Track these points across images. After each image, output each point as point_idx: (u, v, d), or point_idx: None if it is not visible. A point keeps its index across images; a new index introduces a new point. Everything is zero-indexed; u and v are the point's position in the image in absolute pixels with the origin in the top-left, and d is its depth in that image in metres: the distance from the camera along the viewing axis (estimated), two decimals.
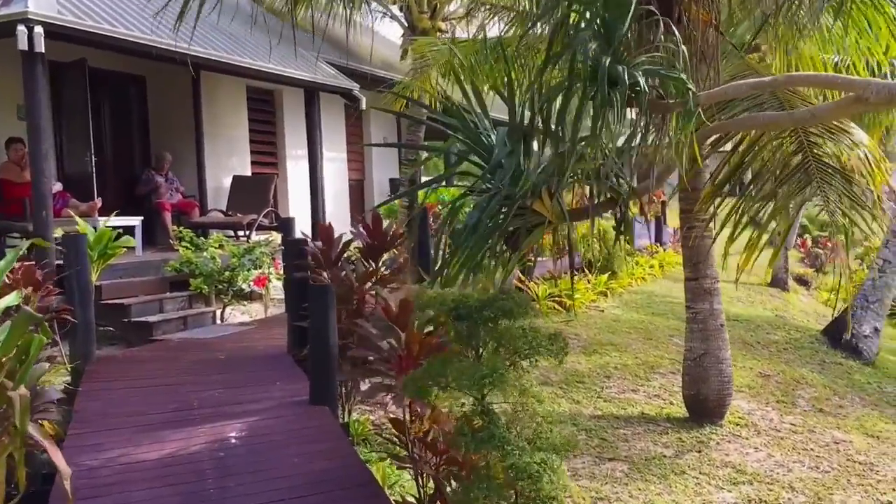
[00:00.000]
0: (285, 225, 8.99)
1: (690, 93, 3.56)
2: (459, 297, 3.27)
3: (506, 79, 6.18)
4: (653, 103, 3.61)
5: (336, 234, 6.14)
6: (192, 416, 4.92)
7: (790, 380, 8.74)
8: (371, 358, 4.70)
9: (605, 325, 10.23)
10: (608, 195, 4.49)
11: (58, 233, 6.93)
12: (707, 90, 4.76)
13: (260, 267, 8.72)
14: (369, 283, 5.93)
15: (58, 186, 9.58)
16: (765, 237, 6.11)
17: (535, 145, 4.35)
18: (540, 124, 3.89)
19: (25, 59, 7.30)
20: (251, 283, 8.54)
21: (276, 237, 8.89)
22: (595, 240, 13.42)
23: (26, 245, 4.98)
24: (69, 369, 6.23)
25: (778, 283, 17.15)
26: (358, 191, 15.83)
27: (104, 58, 10.01)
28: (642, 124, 3.79)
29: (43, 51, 7.25)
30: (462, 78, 7.29)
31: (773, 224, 6.12)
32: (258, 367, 6.07)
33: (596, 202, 4.49)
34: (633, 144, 4.03)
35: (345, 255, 6.05)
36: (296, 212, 12.76)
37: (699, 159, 4.92)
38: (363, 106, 11.72)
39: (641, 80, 3.40)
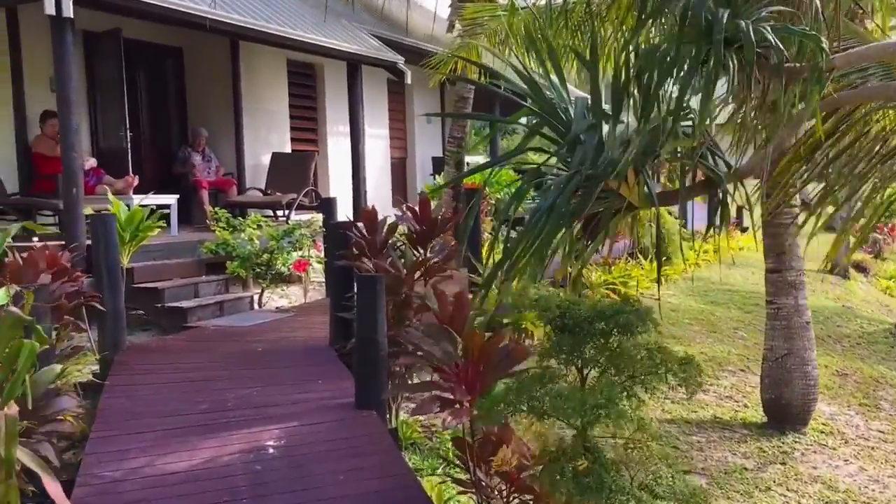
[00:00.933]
0: (327, 205, 8.48)
1: (823, 54, 2.93)
2: (567, 302, 2.71)
3: (587, 43, 5.55)
4: (784, 69, 2.98)
5: (380, 217, 5.61)
6: (226, 417, 4.44)
7: (869, 378, 8.05)
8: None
9: (665, 316, 9.57)
10: (703, 176, 3.90)
11: (87, 211, 6.49)
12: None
13: (300, 250, 8.23)
14: (418, 273, 5.40)
15: (91, 162, 9.19)
16: (859, 222, 5.44)
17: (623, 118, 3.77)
18: (635, 94, 3.29)
19: (54, 24, 6.83)
20: (290, 267, 8.06)
21: (318, 218, 8.38)
22: (651, 224, 12.74)
23: (15, 228, 4.49)
24: (97, 359, 5.80)
25: (837, 270, 16.29)
26: (400, 169, 15.29)
27: (140, 28, 9.56)
28: (757, 93, 3.17)
29: (71, 16, 6.77)
30: (523, 45, 6.68)
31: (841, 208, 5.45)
32: (298, 361, 5.57)
33: (689, 184, 3.90)
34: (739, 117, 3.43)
35: (390, 240, 5.50)
36: (336, 191, 12.27)
37: (821, 134, 4.25)
38: (408, 80, 11.14)
39: (771, 37, 2.77)
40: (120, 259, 5.98)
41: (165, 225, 6.63)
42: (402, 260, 5.34)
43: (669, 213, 16.29)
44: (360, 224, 5.76)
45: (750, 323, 9.65)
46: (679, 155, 3.82)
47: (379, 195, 13.02)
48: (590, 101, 4.04)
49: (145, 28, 9.73)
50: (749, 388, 6.87)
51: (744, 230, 17.39)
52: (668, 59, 2.92)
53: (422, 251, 5.47)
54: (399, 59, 10.95)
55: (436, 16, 14.04)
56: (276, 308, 8.42)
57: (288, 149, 11.94)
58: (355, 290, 4.59)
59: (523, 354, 3.46)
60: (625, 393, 2.62)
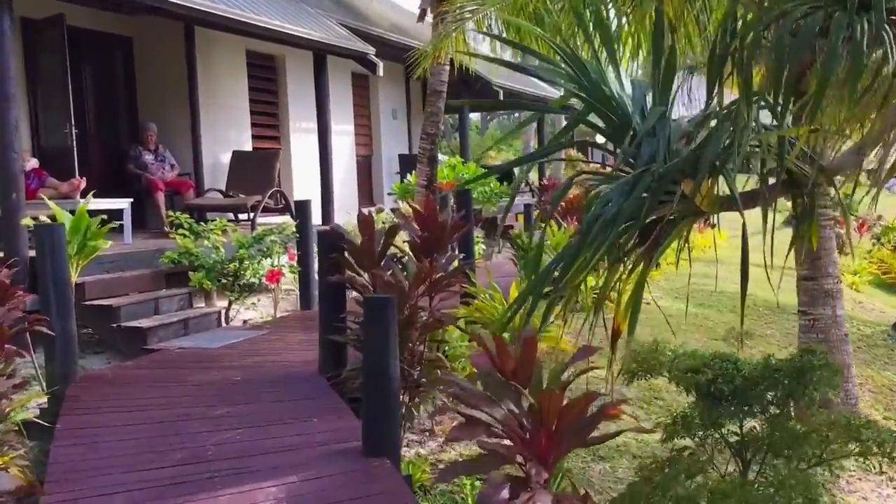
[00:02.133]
0: (301, 209, 7.70)
1: None
2: (723, 362, 2.04)
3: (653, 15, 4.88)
4: None
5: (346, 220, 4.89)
6: (207, 471, 3.67)
7: (882, 387, 7.60)
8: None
9: (660, 322, 9.01)
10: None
11: (27, 221, 5.61)
12: None
13: (270, 257, 7.45)
14: (422, 287, 4.70)
15: (33, 163, 8.26)
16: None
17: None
18: (735, 75, 2.64)
19: None
20: (262, 278, 7.26)
21: (290, 223, 7.60)
22: None
23: None
24: (46, 393, 4.97)
25: None
26: (366, 167, 14.52)
27: (85, 15, 8.63)
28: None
29: None
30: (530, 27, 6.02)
31: None
32: (285, 393, 4.81)
33: (771, 184, 3.28)
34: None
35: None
36: (301, 192, 11.45)
37: None
38: (380, 72, 10.37)
39: None
40: (69, 274, 5.15)
41: (108, 229, 5.79)
42: (406, 273, 4.63)
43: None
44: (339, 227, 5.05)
45: (749, 329, 9.16)
46: (758, 150, 3.20)
47: (344, 194, 12.26)
48: (649, 87, 3.40)
49: (91, 15, 8.80)
50: None
51: (712, 226, 17.07)
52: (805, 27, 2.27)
53: (427, 262, 4.76)
54: (370, 50, 10.19)
55: (403, 9, 13.34)
56: (246, 322, 7.63)
57: (249, 147, 11.10)
58: (363, 313, 3.87)
59: (609, 415, 2.79)
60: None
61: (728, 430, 2.07)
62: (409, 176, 12.29)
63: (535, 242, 8.21)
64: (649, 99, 3.39)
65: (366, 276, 4.73)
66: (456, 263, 4.96)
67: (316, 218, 8.14)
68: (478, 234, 11.92)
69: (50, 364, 4.97)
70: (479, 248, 11.73)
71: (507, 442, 2.84)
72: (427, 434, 5.21)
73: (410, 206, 4.83)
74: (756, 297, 10.49)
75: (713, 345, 8.48)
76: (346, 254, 4.63)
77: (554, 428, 2.74)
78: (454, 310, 5.63)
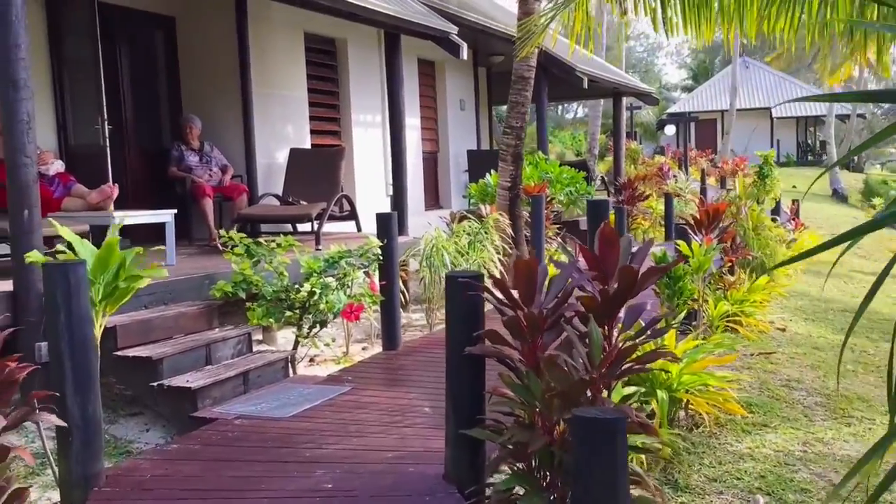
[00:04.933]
0: (384, 224, 6.17)
1: None
2: None
3: None
4: None
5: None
6: None
7: None
8: None
9: (810, 355, 7.36)
10: None
11: (34, 257, 4.12)
12: None
13: (349, 287, 5.94)
14: (604, 369, 3.13)
15: (57, 166, 6.87)
16: None
17: None
18: None
19: None
20: (338, 312, 5.76)
21: (374, 241, 6.08)
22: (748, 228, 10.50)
23: None
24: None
25: None
26: (431, 165, 12.98)
27: None
28: None
29: None
30: None
31: None
32: None
33: None
34: None
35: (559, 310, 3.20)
36: (364, 196, 9.98)
37: None
38: (463, 55, 8.80)
39: None
40: (94, 332, 3.67)
41: (165, 272, 4.29)
42: (588, 347, 3.05)
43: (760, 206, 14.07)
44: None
45: None
46: None
47: (410, 197, 10.76)
48: None
49: None
50: None
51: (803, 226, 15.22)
52: None
53: (607, 327, 3.18)
54: (451, 29, 8.62)
55: None
56: (313, 360, 6.16)
57: (307, 143, 9.62)
58: (575, 434, 2.31)
59: None
60: None
61: None
62: (487, 176, 10.74)
63: (667, 257, 6.59)
64: None
65: (519, 347, 3.18)
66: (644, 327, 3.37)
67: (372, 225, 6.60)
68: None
69: (64, 460, 3.51)
70: (559, 255, 10.15)
71: None
72: None
73: (580, 246, 3.27)
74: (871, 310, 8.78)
75: (882, 386, 6.80)
76: (504, 322, 3.07)
77: None
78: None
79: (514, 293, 3.09)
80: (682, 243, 6.80)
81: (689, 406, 5.09)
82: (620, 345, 3.18)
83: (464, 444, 3.34)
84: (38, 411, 3.24)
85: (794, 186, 25.55)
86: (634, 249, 3.21)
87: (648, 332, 3.13)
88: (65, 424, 3.35)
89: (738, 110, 33.78)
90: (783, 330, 8.48)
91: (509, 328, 3.05)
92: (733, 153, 30.39)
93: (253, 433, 4.24)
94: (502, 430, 3.28)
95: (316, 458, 3.82)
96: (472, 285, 3.23)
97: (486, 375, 3.41)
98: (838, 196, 31.01)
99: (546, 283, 3.22)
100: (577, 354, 3.00)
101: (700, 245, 6.74)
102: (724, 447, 4.89)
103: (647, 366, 3.03)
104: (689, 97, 45.60)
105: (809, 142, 44.46)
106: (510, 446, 3.15)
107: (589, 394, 3.05)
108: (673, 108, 42.25)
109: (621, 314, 3.30)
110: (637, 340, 3.16)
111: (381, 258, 6.04)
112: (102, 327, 4.00)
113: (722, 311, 7.58)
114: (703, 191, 18.25)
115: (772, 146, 35.93)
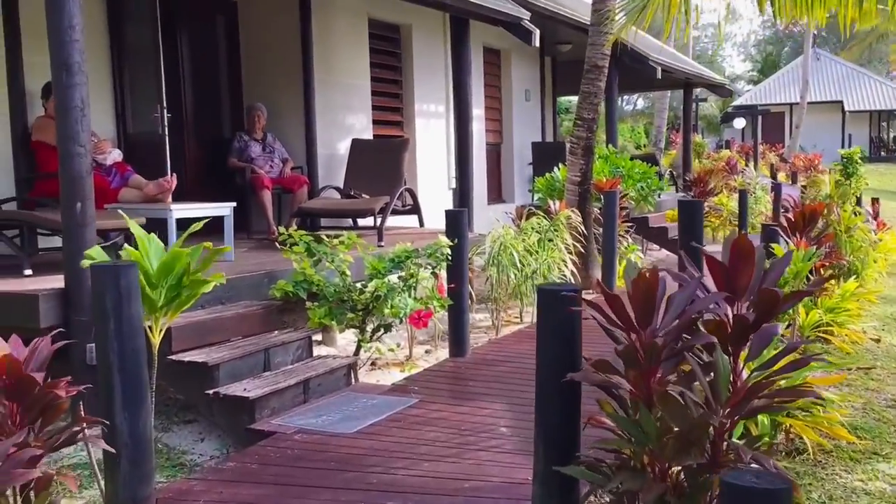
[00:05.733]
0: (454, 222, 5.76)
1: None
2: None
3: None
4: None
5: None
6: None
7: None
8: None
9: None
10: None
11: (91, 256, 3.80)
12: None
13: (413, 288, 5.55)
14: (730, 407, 2.67)
15: (115, 155, 6.61)
16: None
17: None
18: None
19: None
20: (405, 317, 5.38)
21: (443, 240, 5.67)
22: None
23: None
24: None
25: None
26: (494, 158, 12.52)
27: None
28: None
29: None
30: None
31: None
32: None
33: None
34: None
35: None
36: (426, 189, 9.59)
37: None
38: (535, 42, 8.32)
39: None
40: (148, 342, 3.34)
41: (222, 278, 3.95)
42: (711, 377, 2.59)
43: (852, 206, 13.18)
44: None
45: None
46: None
47: (474, 191, 10.32)
48: None
49: None
50: None
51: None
52: None
53: (731, 356, 2.71)
54: (524, 14, 8.15)
55: None
56: (374, 364, 5.80)
57: (369, 134, 9.26)
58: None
59: None
60: None
61: None
62: (555, 169, 10.25)
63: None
64: None
65: (628, 376, 2.74)
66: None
67: (438, 220, 6.14)
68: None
69: (112, 482, 3.18)
70: (638, 257, 9.62)
71: None
72: None
73: (708, 258, 2.80)
74: None
75: None
76: (619, 352, 2.62)
77: None
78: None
79: (630, 313, 2.64)
80: (777, 247, 6.24)
81: (791, 430, 4.59)
82: (750, 378, 2.72)
83: (554, 482, 2.91)
84: (84, 433, 2.91)
85: (866, 184, 24.42)
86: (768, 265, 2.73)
87: (785, 365, 2.65)
88: (112, 450, 3.02)
89: (808, 103, 32.52)
90: (878, 341, 7.83)
91: (624, 356, 2.60)
92: (802, 148, 29.26)
93: (315, 451, 3.87)
94: (600, 468, 2.85)
95: (385, 486, 3.43)
96: (573, 300, 2.79)
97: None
98: None
99: (664, 301, 2.76)
100: (700, 388, 2.54)
101: (797, 250, 6.17)
102: (833, 479, 4.37)
103: (785, 404, 2.55)
104: (756, 89, 44.16)
105: (883, 136, 42.73)
106: (612, 492, 2.71)
107: (710, 434, 2.60)
108: (739, 101, 40.91)
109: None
110: (774, 376, 2.69)
111: (450, 258, 5.63)
112: (162, 332, 3.68)
113: (814, 320, 6.99)
114: (777, 188, 17.41)
115: (843, 141, 34.56)
